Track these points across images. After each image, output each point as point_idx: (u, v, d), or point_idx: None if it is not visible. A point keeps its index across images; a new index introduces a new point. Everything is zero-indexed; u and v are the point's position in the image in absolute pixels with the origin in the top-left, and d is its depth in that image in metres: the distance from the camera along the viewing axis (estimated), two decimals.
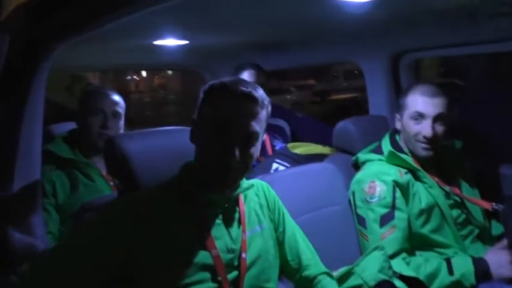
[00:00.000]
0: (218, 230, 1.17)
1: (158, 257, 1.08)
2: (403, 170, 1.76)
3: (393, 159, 1.78)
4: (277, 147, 2.51)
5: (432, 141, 1.72)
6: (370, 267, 1.40)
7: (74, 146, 1.89)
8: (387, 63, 2.42)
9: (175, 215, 1.14)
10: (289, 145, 2.27)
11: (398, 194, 1.71)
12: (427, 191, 1.74)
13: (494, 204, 1.77)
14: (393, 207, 1.68)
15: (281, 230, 1.34)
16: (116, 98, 1.94)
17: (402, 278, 1.52)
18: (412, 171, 1.77)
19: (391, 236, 1.64)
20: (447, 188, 1.79)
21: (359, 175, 1.84)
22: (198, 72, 3.33)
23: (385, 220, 1.67)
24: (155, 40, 2.15)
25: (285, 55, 2.76)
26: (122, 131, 1.96)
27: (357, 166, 1.94)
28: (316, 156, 2.17)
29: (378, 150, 1.87)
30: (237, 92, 1.12)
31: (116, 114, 1.92)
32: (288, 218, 1.39)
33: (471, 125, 2.41)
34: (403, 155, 1.78)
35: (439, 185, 1.78)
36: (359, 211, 1.76)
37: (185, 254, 1.11)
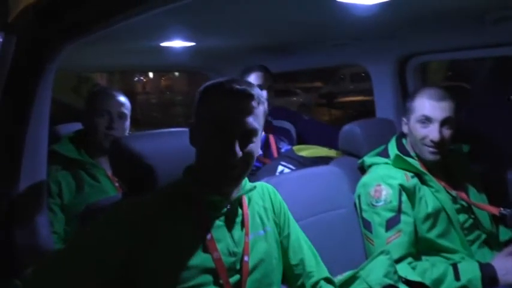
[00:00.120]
0: (220, 233, 1.16)
1: (160, 259, 1.07)
2: (410, 174, 1.75)
3: (399, 163, 1.77)
4: (283, 150, 2.51)
5: (439, 145, 1.71)
6: (375, 271, 1.38)
7: (80, 146, 1.89)
8: (394, 66, 2.41)
9: (178, 217, 1.14)
10: (295, 148, 2.26)
11: (404, 198, 1.69)
12: (433, 195, 1.73)
13: (501, 209, 1.75)
14: (399, 211, 1.67)
15: (286, 234, 1.33)
16: (122, 99, 1.95)
17: (408, 282, 1.52)
18: (418, 175, 1.75)
19: (396, 240, 1.63)
20: (454, 192, 1.77)
21: (365, 178, 1.83)
22: (204, 73, 3.33)
23: (391, 224, 1.66)
24: (162, 42, 2.16)
25: (291, 57, 2.75)
26: (127, 131, 1.97)
27: (363, 169, 1.94)
28: (321, 159, 2.16)
29: (384, 154, 1.86)
30: (233, 90, 1.12)
31: (122, 115, 1.93)
32: (293, 223, 1.38)
33: (478, 129, 2.39)
34: (409, 159, 1.77)
35: (446, 190, 1.76)
36: (365, 215, 1.75)
37: (187, 257, 1.10)
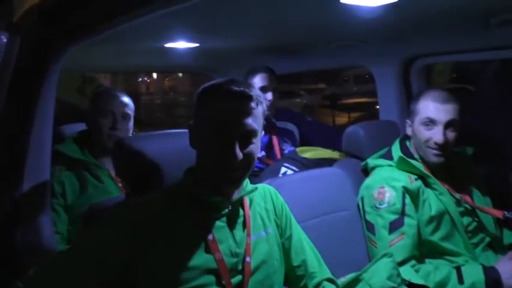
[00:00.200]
0: (222, 233, 1.16)
1: (161, 260, 1.07)
2: (413, 176, 1.74)
3: (403, 165, 1.76)
4: (286, 151, 2.51)
5: (443, 147, 1.70)
6: (378, 274, 1.38)
7: (84, 147, 1.90)
8: (399, 68, 2.41)
9: (179, 218, 1.14)
10: (298, 149, 2.26)
11: (408, 200, 1.69)
12: (437, 198, 1.72)
13: (506, 212, 1.74)
14: (402, 213, 1.67)
15: (287, 236, 1.33)
16: (126, 99, 1.96)
17: (411, 285, 1.51)
18: (422, 177, 1.75)
19: (400, 243, 1.63)
20: (458, 195, 1.77)
21: (368, 181, 1.82)
22: (208, 74, 3.33)
23: (394, 226, 1.66)
24: (166, 43, 2.16)
25: (295, 59, 2.75)
26: (131, 132, 1.97)
27: (366, 171, 1.93)
28: (325, 160, 2.16)
29: (388, 156, 1.86)
30: (231, 92, 1.11)
31: (125, 116, 1.93)
32: (295, 224, 1.37)
33: (482, 131, 2.38)
34: (413, 161, 1.76)
35: (450, 192, 1.76)
36: (368, 217, 1.74)
37: (188, 257, 1.10)
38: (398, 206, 1.67)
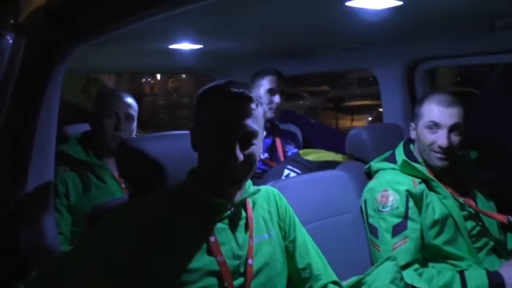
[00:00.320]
0: (224, 235, 1.16)
1: (164, 261, 1.07)
2: (417, 180, 1.74)
3: (407, 169, 1.75)
4: (289, 153, 2.51)
5: (447, 151, 1.70)
6: (381, 277, 1.37)
7: (88, 147, 1.90)
8: (403, 71, 2.40)
9: (182, 220, 1.14)
10: (301, 151, 2.26)
11: (411, 203, 1.68)
12: (441, 202, 1.71)
13: (510, 217, 1.74)
14: (406, 217, 1.66)
15: (291, 238, 1.33)
16: (129, 100, 1.96)
17: None
18: (426, 181, 1.74)
19: (403, 247, 1.62)
20: (461, 199, 1.76)
21: (371, 184, 1.82)
22: (211, 76, 3.34)
23: (397, 230, 1.65)
24: (171, 44, 2.16)
25: (299, 61, 2.75)
26: (134, 133, 1.98)
27: (369, 175, 1.93)
28: (328, 163, 2.15)
29: (392, 159, 1.85)
30: (230, 93, 1.12)
31: (129, 117, 1.94)
32: (299, 226, 1.37)
33: (487, 135, 2.37)
34: (417, 165, 1.76)
35: (453, 196, 1.75)
36: (371, 220, 1.74)
37: (191, 259, 1.10)
38: (402, 209, 1.67)
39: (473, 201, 1.79)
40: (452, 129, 1.70)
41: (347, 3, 1.42)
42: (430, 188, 1.74)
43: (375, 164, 1.90)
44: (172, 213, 1.14)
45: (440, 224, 1.69)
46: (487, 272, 1.58)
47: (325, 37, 2.13)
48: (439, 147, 1.70)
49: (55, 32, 1.35)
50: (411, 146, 1.86)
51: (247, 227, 1.21)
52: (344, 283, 1.38)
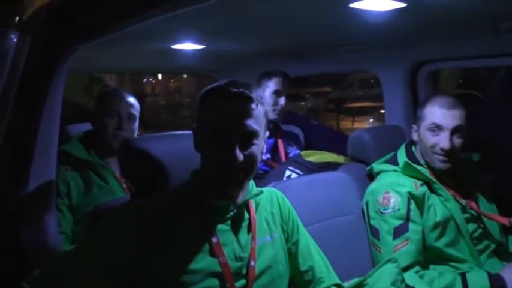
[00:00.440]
0: (226, 237, 1.16)
1: (165, 263, 1.07)
2: (419, 182, 1.73)
3: (409, 171, 1.75)
4: (291, 154, 2.51)
5: (449, 153, 1.70)
6: (382, 279, 1.37)
7: (89, 147, 1.90)
8: (406, 73, 2.40)
9: (184, 221, 1.13)
10: (303, 153, 2.26)
11: (413, 206, 1.68)
12: (442, 204, 1.71)
13: (511, 219, 1.73)
14: (407, 219, 1.66)
15: (294, 240, 1.32)
16: (131, 100, 1.96)
17: None
18: (427, 183, 1.74)
19: (404, 249, 1.62)
20: (463, 201, 1.76)
21: (373, 185, 1.82)
22: (213, 76, 3.34)
23: (398, 232, 1.65)
24: (173, 44, 2.16)
25: (302, 62, 2.75)
26: (136, 132, 1.98)
27: (371, 176, 1.92)
28: (329, 164, 2.15)
29: (393, 161, 1.85)
30: (230, 93, 1.12)
31: (131, 116, 1.94)
32: (302, 229, 1.36)
33: (489, 137, 2.37)
34: (419, 167, 1.75)
35: (455, 198, 1.75)
36: (372, 222, 1.74)
37: (192, 260, 1.10)
38: (403, 211, 1.67)
39: (475, 203, 1.79)
40: (454, 131, 1.69)
41: (351, 5, 1.42)
42: (432, 190, 1.73)
43: (376, 166, 1.89)
44: (174, 214, 1.13)
45: (442, 226, 1.69)
46: (489, 274, 1.57)
47: (329, 38, 2.13)
48: (441, 149, 1.70)
49: (58, 31, 1.35)
50: (413, 148, 1.86)
51: (249, 228, 1.21)
52: (345, 284, 1.37)
